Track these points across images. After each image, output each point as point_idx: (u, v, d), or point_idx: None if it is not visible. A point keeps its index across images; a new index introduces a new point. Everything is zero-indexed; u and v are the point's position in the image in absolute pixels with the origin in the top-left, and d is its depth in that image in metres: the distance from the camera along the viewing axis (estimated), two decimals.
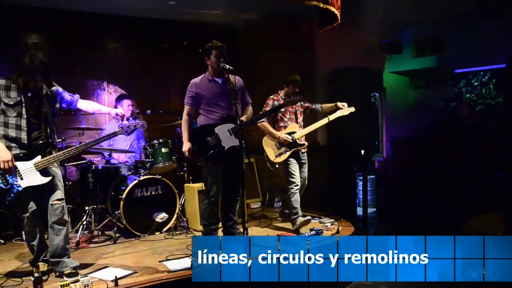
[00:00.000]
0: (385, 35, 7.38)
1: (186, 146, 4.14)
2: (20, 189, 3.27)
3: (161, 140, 5.16)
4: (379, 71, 7.54)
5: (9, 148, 3.28)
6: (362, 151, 6.46)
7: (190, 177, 5.45)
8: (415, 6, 6.14)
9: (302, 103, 5.05)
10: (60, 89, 3.62)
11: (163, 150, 5.13)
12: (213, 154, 3.97)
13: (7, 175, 3.24)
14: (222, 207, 4.24)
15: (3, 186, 3.24)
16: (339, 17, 4.94)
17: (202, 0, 5.63)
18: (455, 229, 4.84)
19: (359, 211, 6.81)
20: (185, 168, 5.46)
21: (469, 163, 6.63)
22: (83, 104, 3.79)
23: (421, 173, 7.23)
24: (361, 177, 6.90)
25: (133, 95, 6.05)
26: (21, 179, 3.28)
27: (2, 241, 4.61)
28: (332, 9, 4.74)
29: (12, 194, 3.25)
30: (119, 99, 5.54)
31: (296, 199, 4.83)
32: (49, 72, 3.35)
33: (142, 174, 4.85)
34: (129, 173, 5.06)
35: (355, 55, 6.75)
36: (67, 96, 3.66)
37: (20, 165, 3.28)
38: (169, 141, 5.23)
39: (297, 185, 4.84)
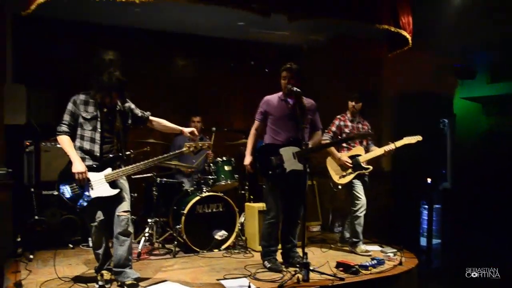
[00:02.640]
0: (457, 60, 7.08)
1: (247, 159, 4.20)
2: (90, 198, 3.42)
3: (224, 158, 5.23)
4: (450, 97, 7.24)
5: (83, 159, 3.45)
6: (429, 179, 6.20)
7: (251, 197, 5.45)
8: (490, 29, 5.84)
9: (368, 128, 4.97)
10: (133, 106, 3.76)
11: (226, 168, 5.19)
12: (274, 174, 3.96)
13: (80, 185, 3.41)
14: (283, 229, 4.20)
15: (76, 194, 3.41)
16: (410, 41, 4.80)
17: (271, 21, 5.69)
18: None
19: (423, 241, 6.51)
20: (246, 187, 5.48)
21: None
22: (154, 122, 3.89)
23: (491, 204, 6.81)
24: (426, 206, 6.60)
25: (199, 112, 6.18)
26: (92, 189, 3.43)
27: (71, 245, 4.84)
28: (404, 33, 4.61)
29: (82, 203, 3.41)
30: (188, 117, 5.67)
31: (359, 223, 4.71)
32: (124, 89, 3.51)
33: (204, 190, 4.93)
34: (192, 189, 5.16)
35: (424, 79, 6.52)
36: (138, 112, 3.79)
37: (91, 176, 3.44)
38: (232, 159, 5.29)
39: (362, 207, 4.71)
